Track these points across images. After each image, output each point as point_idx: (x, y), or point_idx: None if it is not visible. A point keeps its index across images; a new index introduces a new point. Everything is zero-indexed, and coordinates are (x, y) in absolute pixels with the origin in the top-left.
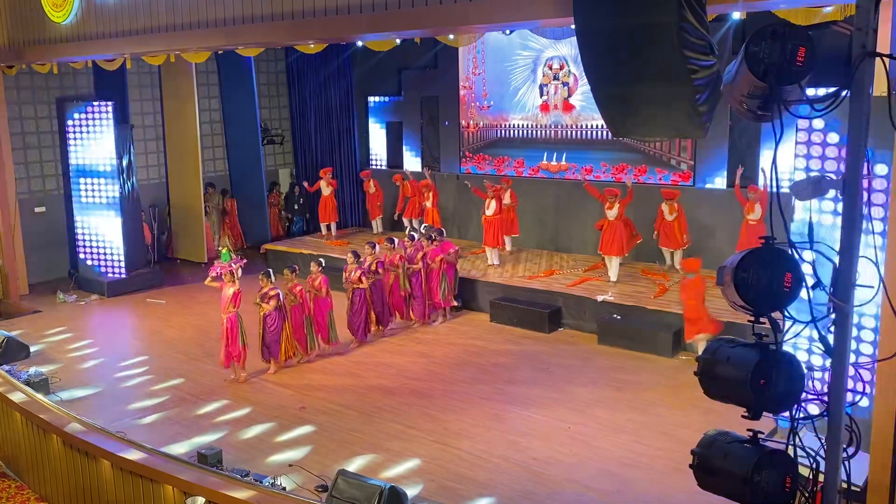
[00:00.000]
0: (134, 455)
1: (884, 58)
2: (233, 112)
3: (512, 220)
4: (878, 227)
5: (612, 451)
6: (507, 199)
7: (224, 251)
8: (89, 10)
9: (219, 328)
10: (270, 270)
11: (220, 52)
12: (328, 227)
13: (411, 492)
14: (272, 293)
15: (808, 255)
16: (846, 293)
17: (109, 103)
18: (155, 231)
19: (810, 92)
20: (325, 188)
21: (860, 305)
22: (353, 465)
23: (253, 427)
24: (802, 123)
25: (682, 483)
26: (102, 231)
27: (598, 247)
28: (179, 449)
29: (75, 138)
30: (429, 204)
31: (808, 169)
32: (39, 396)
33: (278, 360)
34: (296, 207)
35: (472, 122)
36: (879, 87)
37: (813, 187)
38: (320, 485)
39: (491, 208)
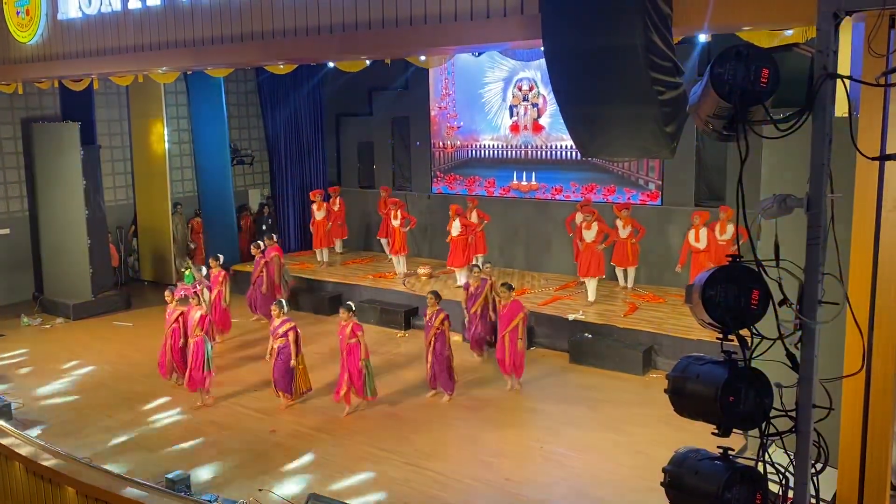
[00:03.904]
0: (100, 481)
1: (844, 79)
2: (202, 133)
3: (480, 240)
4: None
5: (585, 470)
6: (474, 218)
7: (187, 273)
8: (55, 30)
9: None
10: (283, 301)
11: (189, 73)
12: (321, 253)
13: None
14: (286, 327)
15: (774, 272)
16: (812, 310)
17: (76, 124)
18: (122, 253)
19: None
20: (317, 212)
21: (826, 322)
22: (325, 489)
23: (222, 451)
24: (768, 143)
25: (655, 501)
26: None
27: (572, 268)
28: (146, 474)
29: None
30: (396, 223)
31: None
32: (2, 422)
33: (288, 395)
34: (264, 228)
35: (443, 142)
36: (841, 108)
37: (778, 206)
38: None
39: (455, 229)
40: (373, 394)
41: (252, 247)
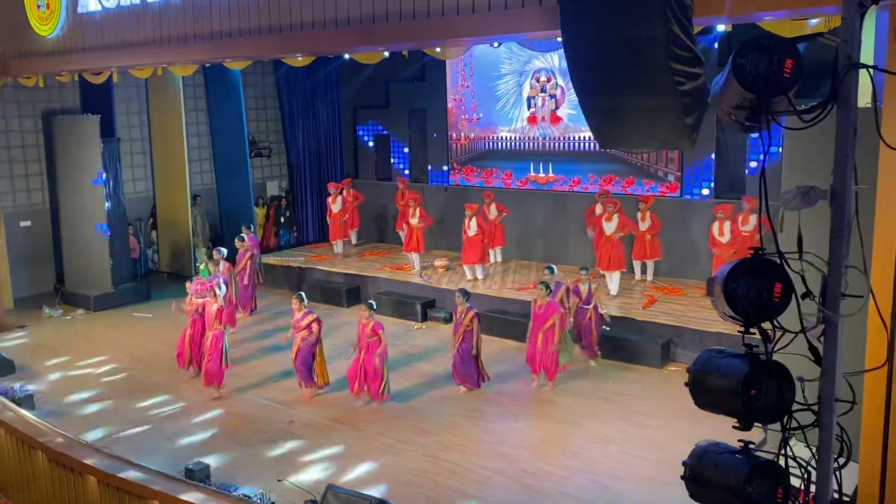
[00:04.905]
0: (120, 471)
1: (869, 69)
2: (220, 125)
3: (498, 233)
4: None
5: (603, 463)
6: (492, 213)
7: (202, 267)
8: (75, 24)
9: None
10: (303, 294)
11: (207, 66)
12: (337, 245)
13: None
14: (309, 319)
15: (797, 265)
16: (835, 303)
17: (96, 117)
18: (142, 245)
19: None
20: (333, 204)
21: (849, 315)
22: (343, 480)
23: (241, 442)
24: (790, 134)
25: (673, 494)
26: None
27: (590, 260)
28: (166, 464)
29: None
30: (414, 220)
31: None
32: (24, 412)
33: (311, 385)
34: (282, 220)
35: (460, 134)
36: (863, 99)
37: (802, 198)
38: (309, 499)
39: (472, 228)
40: (387, 393)
41: (236, 240)
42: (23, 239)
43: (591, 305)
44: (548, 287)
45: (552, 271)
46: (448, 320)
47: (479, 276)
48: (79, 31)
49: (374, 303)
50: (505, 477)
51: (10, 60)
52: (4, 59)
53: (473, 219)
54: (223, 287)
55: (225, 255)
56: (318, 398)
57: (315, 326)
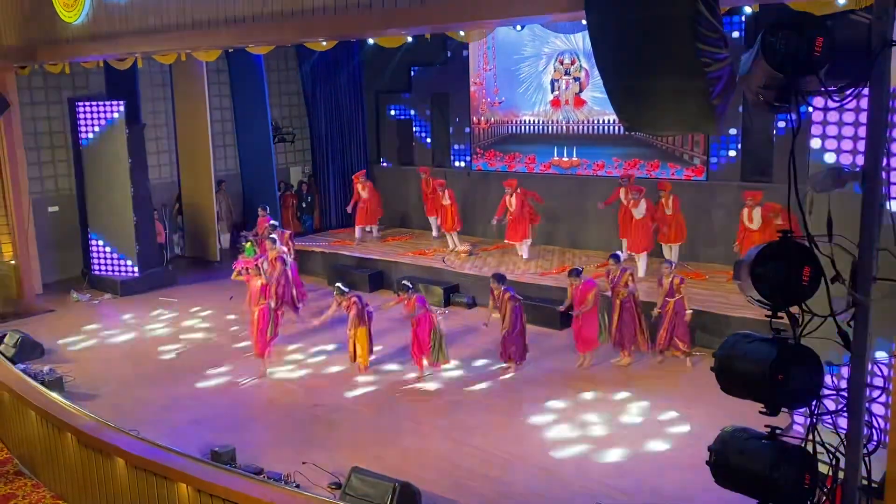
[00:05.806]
0: (148, 453)
1: None
2: (244, 110)
3: (530, 213)
4: None
5: (626, 447)
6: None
7: (248, 245)
8: (100, 10)
9: (241, 324)
10: (340, 285)
11: (230, 51)
12: (363, 230)
13: (424, 488)
14: (351, 300)
15: (826, 248)
16: (866, 287)
17: (121, 103)
18: (167, 230)
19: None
20: (362, 192)
21: (881, 300)
22: (367, 462)
23: (267, 425)
24: (818, 115)
25: (698, 480)
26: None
27: (614, 244)
28: (193, 447)
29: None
30: (446, 202)
31: (823, 161)
32: (54, 395)
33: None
34: (304, 206)
35: (483, 118)
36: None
37: (831, 179)
38: (334, 482)
39: (513, 205)
40: (444, 359)
41: (271, 230)
42: (51, 224)
43: (673, 298)
44: (579, 273)
45: (617, 259)
46: (470, 305)
47: (525, 255)
48: (103, 17)
49: (408, 283)
50: (528, 461)
51: (36, 47)
52: (31, 46)
53: (514, 196)
54: (265, 265)
55: (278, 225)
56: (344, 381)
57: (354, 308)
